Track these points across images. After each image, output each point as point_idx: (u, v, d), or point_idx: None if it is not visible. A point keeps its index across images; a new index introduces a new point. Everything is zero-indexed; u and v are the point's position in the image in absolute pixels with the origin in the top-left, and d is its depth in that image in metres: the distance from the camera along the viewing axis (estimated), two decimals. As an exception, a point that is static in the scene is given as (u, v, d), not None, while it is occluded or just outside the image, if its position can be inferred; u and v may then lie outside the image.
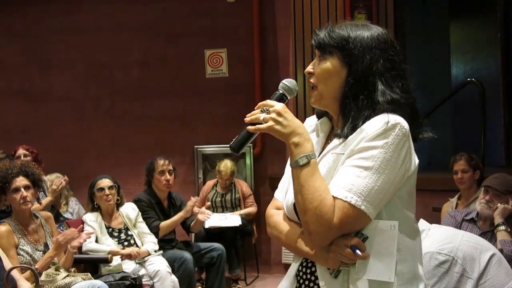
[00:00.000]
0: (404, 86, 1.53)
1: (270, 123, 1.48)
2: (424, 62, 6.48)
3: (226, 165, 5.89)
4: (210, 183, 6.13)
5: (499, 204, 3.44)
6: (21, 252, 3.58)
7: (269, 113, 1.49)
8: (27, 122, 6.75)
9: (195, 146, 6.57)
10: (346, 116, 1.52)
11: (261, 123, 1.49)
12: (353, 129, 1.48)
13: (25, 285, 3.33)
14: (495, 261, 2.65)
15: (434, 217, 4.40)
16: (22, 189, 3.61)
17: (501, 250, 3.21)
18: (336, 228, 1.42)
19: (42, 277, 3.44)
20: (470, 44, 6.89)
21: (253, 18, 6.44)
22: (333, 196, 1.42)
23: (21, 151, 5.20)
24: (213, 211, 5.90)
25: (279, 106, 1.50)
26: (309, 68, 1.59)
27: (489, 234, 3.49)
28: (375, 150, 1.42)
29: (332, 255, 1.45)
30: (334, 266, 1.47)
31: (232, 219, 5.56)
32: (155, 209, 4.90)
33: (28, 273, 3.46)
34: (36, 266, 3.54)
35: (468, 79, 5.65)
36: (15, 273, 3.36)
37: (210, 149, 6.48)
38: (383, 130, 1.42)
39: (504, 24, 5.66)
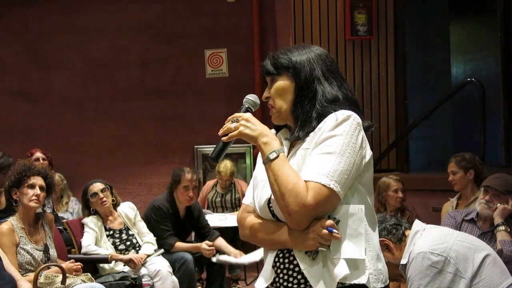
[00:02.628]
0: (344, 86, 1.77)
1: (241, 128, 1.70)
2: (424, 62, 6.48)
3: (225, 165, 5.89)
4: (210, 183, 6.13)
5: (499, 204, 3.44)
6: (22, 251, 3.58)
7: (239, 122, 1.71)
8: (27, 122, 6.74)
9: (195, 146, 6.58)
10: (296, 120, 1.75)
11: (233, 132, 1.70)
12: (311, 129, 1.69)
13: (25, 285, 3.33)
14: (489, 261, 2.64)
15: (434, 217, 4.39)
16: (37, 187, 3.63)
17: (501, 250, 3.20)
18: (312, 206, 1.58)
19: (41, 279, 3.42)
20: (470, 44, 6.89)
21: (253, 18, 6.43)
22: (304, 180, 1.60)
23: (38, 154, 5.20)
24: (213, 211, 5.91)
25: (247, 114, 1.73)
26: (265, 94, 1.81)
27: (489, 234, 3.48)
28: (335, 138, 1.63)
29: (311, 235, 1.61)
30: (313, 248, 1.62)
31: (232, 219, 5.55)
32: (171, 220, 4.78)
33: (30, 275, 3.46)
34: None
35: (468, 79, 5.65)
36: (15, 273, 3.37)
37: (210, 149, 6.47)
38: (339, 121, 1.65)
39: (504, 24, 5.65)
